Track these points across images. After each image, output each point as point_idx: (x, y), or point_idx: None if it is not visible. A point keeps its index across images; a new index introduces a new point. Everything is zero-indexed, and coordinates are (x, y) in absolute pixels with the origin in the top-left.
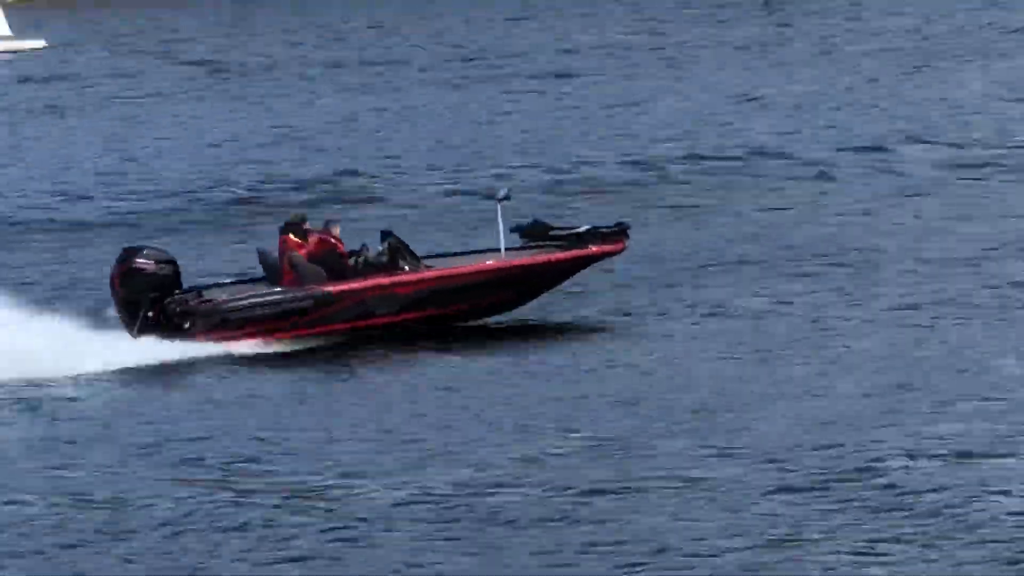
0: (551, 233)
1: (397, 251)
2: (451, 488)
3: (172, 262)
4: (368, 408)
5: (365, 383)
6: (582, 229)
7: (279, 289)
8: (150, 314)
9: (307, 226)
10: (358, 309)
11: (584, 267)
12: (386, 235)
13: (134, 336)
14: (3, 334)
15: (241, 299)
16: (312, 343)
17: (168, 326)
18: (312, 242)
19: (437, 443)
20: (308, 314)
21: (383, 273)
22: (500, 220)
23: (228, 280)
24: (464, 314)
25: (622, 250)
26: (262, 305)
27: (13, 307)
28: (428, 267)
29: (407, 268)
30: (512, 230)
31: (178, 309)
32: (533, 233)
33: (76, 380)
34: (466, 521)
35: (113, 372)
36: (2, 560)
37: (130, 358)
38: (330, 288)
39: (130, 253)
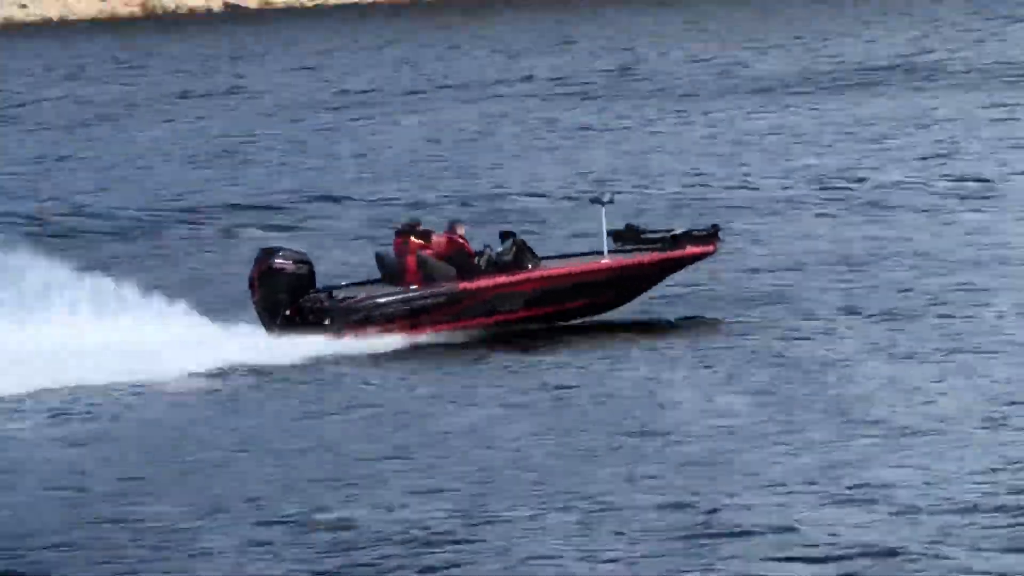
0: (643, 236)
1: (522, 250)
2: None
3: (308, 262)
4: (513, 403)
5: (504, 376)
6: (678, 231)
7: (414, 287)
8: (287, 312)
9: (422, 227)
10: (485, 306)
11: (682, 268)
12: (508, 235)
13: (273, 334)
14: (142, 330)
15: (379, 297)
16: (443, 339)
17: (306, 324)
18: (441, 243)
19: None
20: (440, 311)
21: (507, 272)
22: (604, 223)
23: (344, 283)
24: (579, 312)
25: (713, 252)
26: (399, 303)
27: (151, 304)
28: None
29: (530, 267)
30: (608, 234)
31: (317, 307)
32: (625, 236)
33: (217, 376)
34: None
35: (255, 368)
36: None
37: (270, 354)
38: (461, 285)
39: (268, 254)
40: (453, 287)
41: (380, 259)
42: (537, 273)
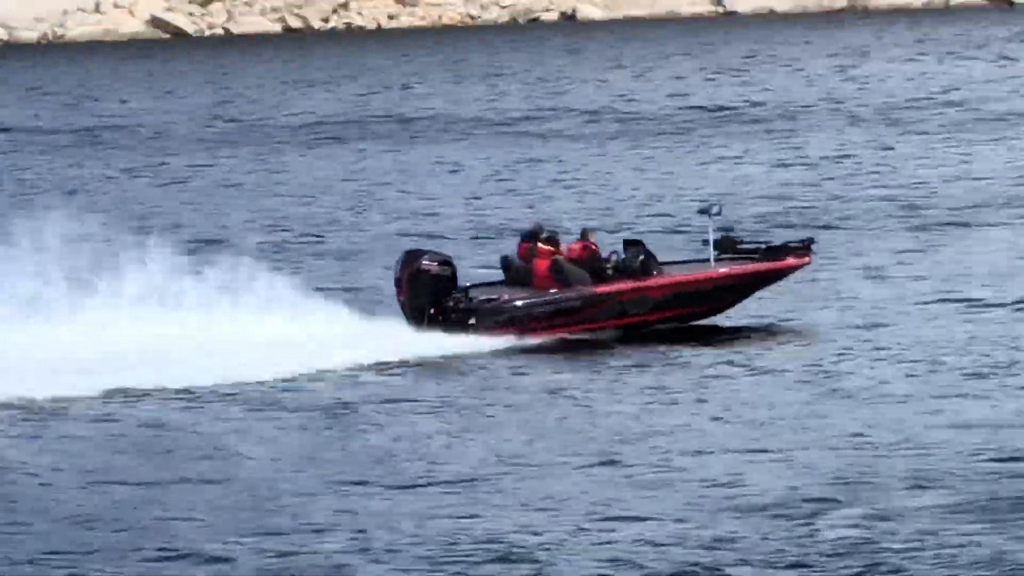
0: (739, 247)
1: (648, 257)
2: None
3: (451, 263)
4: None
5: (641, 377)
6: (775, 243)
7: (553, 290)
8: (432, 312)
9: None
10: (616, 309)
11: (782, 278)
12: (633, 243)
13: (420, 331)
14: (301, 326)
15: (521, 299)
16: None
17: (449, 323)
18: (576, 249)
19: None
20: (578, 313)
21: (637, 277)
22: (711, 233)
23: (469, 283)
24: (696, 316)
25: (808, 264)
26: (540, 304)
27: (309, 301)
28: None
29: (655, 273)
30: (703, 243)
31: (462, 307)
32: (723, 246)
33: (370, 370)
34: None
35: (405, 363)
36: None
37: (416, 351)
38: (597, 290)
39: (415, 256)
40: (590, 291)
41: (507, 262)
42: (666, 279)
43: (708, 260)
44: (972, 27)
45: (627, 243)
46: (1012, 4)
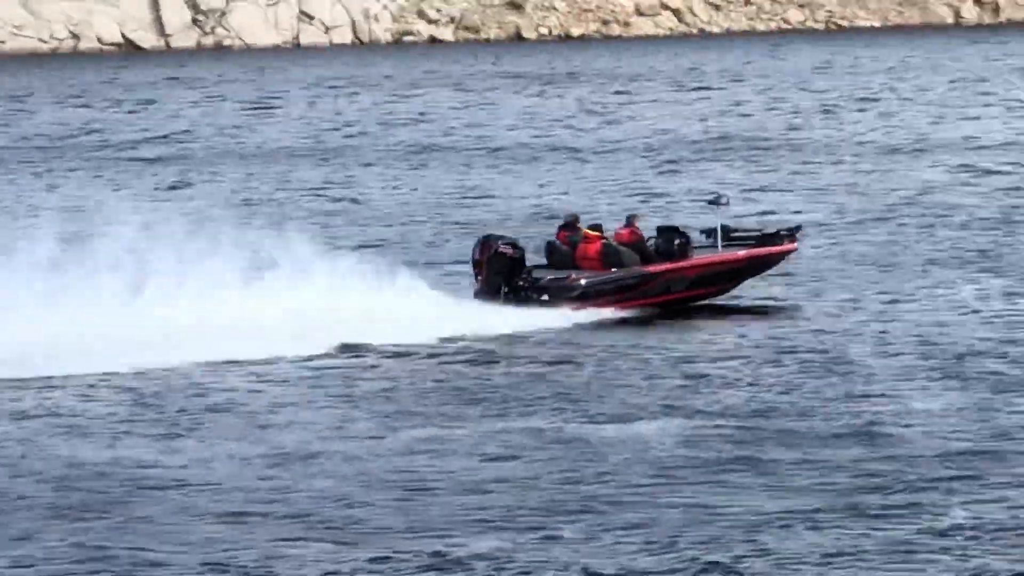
0: (732, 235)
1: (686, 242)
2: None
3: (521, 247)
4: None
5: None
6: (769, 231)
7: (615, 270)
8: (505, 290)
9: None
10: (662, 287)
11: (779, 262)
12: (669, 229)
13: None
14: (387, 302)
15: (587, 277)
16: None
17: (521, 299)
18: (624, 234)
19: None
20: (631, 290)
21: (676, 259)
22: (719, 222)
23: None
24: (716, 293)
25: (796, 249)
26: (604, 282)
27: (398, 282)
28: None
29: (691, 255)
30: (701, 232)
31: (535, 286)
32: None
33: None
34: None
35: (486, 337)
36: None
37: (495, 326)
38: (649, 269)
39: (492, 239)
40: (644, 270)
41: (551, 248)
42: (703, 259)
43: (715, 246)
44: (319, 65)
45: (661, 229)
46: None
